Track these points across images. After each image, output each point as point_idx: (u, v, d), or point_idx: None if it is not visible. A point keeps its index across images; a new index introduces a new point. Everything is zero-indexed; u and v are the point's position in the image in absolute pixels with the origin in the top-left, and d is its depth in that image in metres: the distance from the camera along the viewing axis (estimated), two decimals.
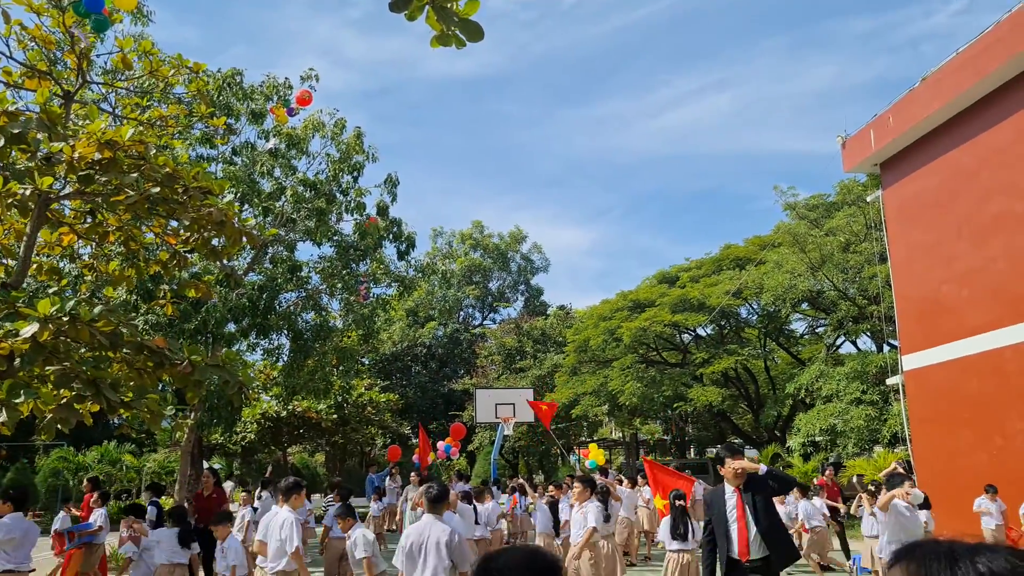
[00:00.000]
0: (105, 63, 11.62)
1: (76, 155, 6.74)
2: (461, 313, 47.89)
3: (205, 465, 24.06)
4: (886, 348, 21.73)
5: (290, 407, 25.35)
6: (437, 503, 5.48)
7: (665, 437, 41.39)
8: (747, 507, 5.56)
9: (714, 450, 40.38)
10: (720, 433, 35.39)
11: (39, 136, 6.97)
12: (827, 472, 14.96)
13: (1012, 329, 12.62)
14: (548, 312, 43.79)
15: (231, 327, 13.78)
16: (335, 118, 15.34)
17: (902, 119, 14.81)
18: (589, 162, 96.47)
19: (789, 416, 25.82)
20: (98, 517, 10.75)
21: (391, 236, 15.88)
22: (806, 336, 29.79)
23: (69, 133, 7.57)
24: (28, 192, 6.85)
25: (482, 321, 48.98)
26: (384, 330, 34.94)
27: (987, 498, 11.53)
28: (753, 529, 5.50)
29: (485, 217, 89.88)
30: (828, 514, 12.79)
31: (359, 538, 6.83)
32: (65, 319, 6.42)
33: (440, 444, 21.64)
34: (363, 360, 33.35)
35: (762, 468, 5.69)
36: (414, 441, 39.28)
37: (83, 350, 7.04)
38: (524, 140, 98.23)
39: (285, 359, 16.01)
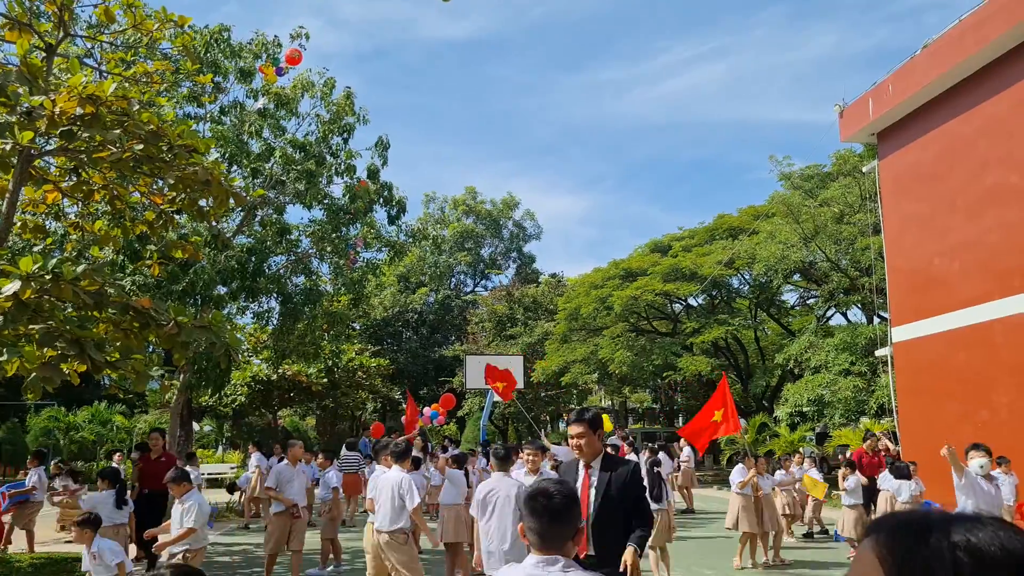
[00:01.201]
0: (89, 17, 11.32)
1: (57, 109, 6.57)
2: (452, 279, 47.80)
3: (195, 426, 24.11)
4: (876, 320, 21.82)
5: (280, 370, 25.34)
6: (505, 461, 6.18)
7: (654, 406, 41.71)
8: (593, 491, 4.36)
9: None
10: None
11: (19, 89, 6.78)
12: (867, 443, 13.45)
13: (1002, 302, 12.64)
14: (540, 280, 43.75)
15: (220, 289, 13.66)
16: (325, 78, 15.06)
17: (901, 88, 14.65)
18: (585, 129, 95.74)
19: (778, 386, 26.00)
20: (33, 477, 11.39)
21: (382, 200, 15.71)
22: (797, 307, 29.89)
23: (50, 87, 7.37)
24: (9, 147, 6.69)
25: (473, 288, 48.92)
26: (375, 295, 34.87)
27: (1001, 471, 9.60)
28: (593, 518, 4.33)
29: (479, 183, 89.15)
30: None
31: (194, 506, 6.83)
32: (48, 277, 6.32)
33: (427, 410, 21.77)
34: (354, 325, 33.30)
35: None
36: (403, 406, 39.48)
37: (68, 309, 6.95)
38: (520, 106, 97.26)
39: (275, 323, 15.94)
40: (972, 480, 7.16)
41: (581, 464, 4.48)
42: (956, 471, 7.21)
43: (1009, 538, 0.85)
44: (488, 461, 15.09)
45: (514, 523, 5.52)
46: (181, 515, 6.86)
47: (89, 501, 8.36)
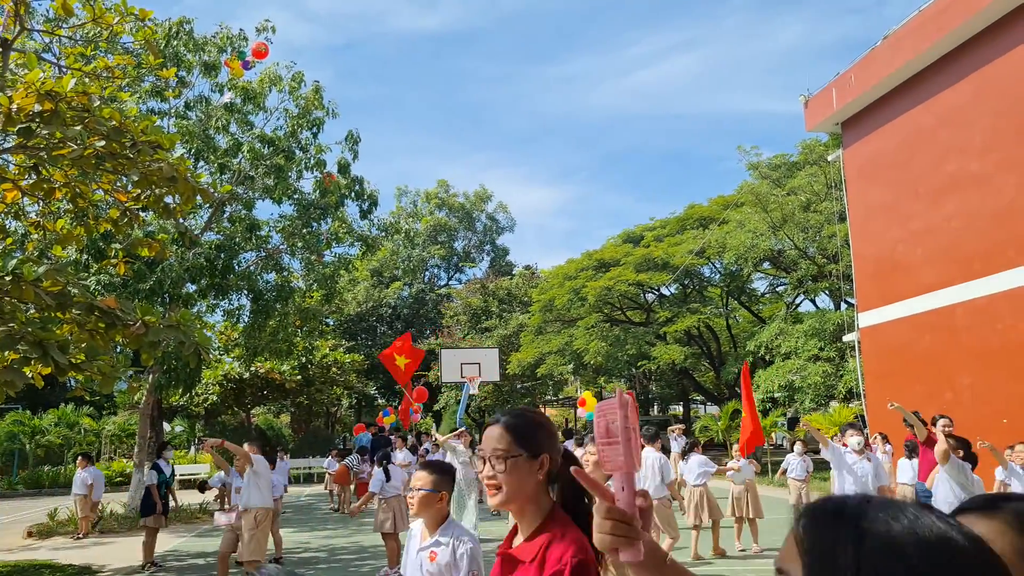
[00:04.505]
0: (47, 11, 11.07)
1: (14, 106, 6.42)
2: (426, 273, 47.64)
3: (166, 427, 23.74)
4: (843, 306, 22.19)
5: (252, 368, 25.07)
6: (652, 440, 8.78)
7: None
8: None
9: (678, 407, 41.16)
10: (683, 390, 36.03)
11: None
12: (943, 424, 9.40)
13: (963, 287, 12.94)
14: (514, 272, 43.77)
15: (189, 287, 13.48)
16: (293, 71, 14.88)
17: (864, 78, 14.88)
18: (558, 121, 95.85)
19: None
20: None
21: (353, 195, 15.59)
22: (767, 295, 30.29)
23: (6, 84, 7.20)
24: None
25: (447, 281, 48.81)
26: (348, 290, 34.62)
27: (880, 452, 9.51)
28: None
29: (452, 176, 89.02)
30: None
31: None
32: (8, 278, 6.19)
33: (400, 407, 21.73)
34: (328, 321, 33.02)
35: None
36: (380, 402, 39.28)
37: (30, 311, 6.81)
38: (492, 98, 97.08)
39: (246, 320, 15.77)
40: (836, 452, 8.29)
41: None
42: (822, 443, 8.45)
43: (927, 526, 0.80)
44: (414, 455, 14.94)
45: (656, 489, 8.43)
46: None
47: None
